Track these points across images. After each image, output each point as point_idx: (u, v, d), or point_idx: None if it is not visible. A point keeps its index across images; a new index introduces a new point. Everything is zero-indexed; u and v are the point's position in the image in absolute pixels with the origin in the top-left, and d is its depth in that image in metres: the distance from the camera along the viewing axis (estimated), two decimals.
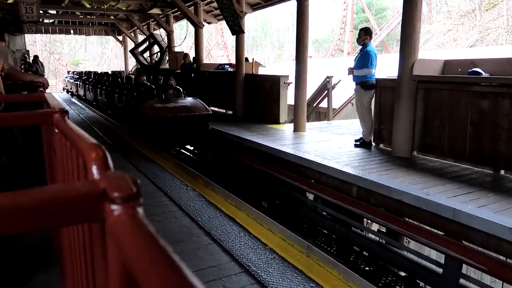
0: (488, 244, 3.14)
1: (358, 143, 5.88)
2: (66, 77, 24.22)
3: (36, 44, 43.56)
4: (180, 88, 8.34)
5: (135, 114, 7.73)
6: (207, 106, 7.61)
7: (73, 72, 23.11)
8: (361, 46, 5.88)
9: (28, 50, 19.81)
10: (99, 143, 0.78)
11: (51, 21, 19.37)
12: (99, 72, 16.78)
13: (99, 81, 13.52)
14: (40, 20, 15.23)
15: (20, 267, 2.57)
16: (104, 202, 0.49)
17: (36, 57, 16.07)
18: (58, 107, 1.37)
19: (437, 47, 32.17)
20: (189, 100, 7.80)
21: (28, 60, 15.86)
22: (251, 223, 3.32)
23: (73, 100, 16.76)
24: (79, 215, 0.52)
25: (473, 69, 4.80)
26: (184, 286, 0.34)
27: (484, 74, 4.67)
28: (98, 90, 12.53)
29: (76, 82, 18.14)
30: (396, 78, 5.26)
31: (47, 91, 3.66)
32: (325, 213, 5.24)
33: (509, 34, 28.82)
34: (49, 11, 17.21)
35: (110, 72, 16.18)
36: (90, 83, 14.63)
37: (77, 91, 17.75)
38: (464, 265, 3.41)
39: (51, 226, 0.49)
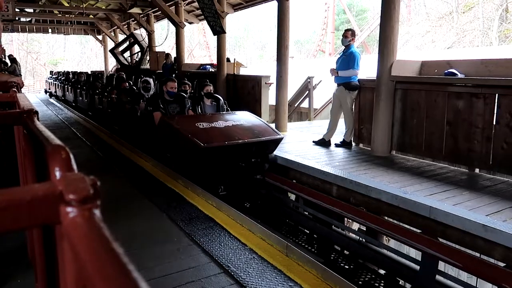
0: (464, 241, 3.22)
1: (339, 143, 5.94)
2: (49, 78, 20.88)
3: (12, 43, 42.52)
4: (220, 98, 5.98)
5: (165, 135, 5.26)
6: (272, 127, 5.56)
7: (58, 72, 19.63)
8: (344, 47, 5.93)
9: (5, 49, 19.28)
10: (63, 145, 0.76)
11: (28, 19, 18.91)
12: (90, 72, 14.88)
13: (94, 84, 10.96)
14: (16, 18, 14.86)
15: None
16: (60, 204, 0.48)
17: (11, 56, 15.66)
18: (28, 108, 1.34)
19: (416, 49, 32.81)
20: (241, 116, 5.42)
21: (4, 59, 15.44)
22: (231, 224, 3.31)
23: (51, 100, 16.14)
24: (35, 218, 0.50)
25: (449, 70, 4.90)
26: None
27: (459, 75, 4.77)
28: (97, 97, 9.76)
29: (63, 85, 15.19)
30: (375, 78, 5.33)
31: (22, 91, 3.57)
32: (306, 213, 5.26)
33: (484, 36, 29.62)
34: (26, 9, 16.82)
35: (91, 72, 14.81)
36: (82, 87, 12.11)
37: (63, 95, 14.98)
38: (441, 262, 3.48)
39: (5, 229, 0.47)
